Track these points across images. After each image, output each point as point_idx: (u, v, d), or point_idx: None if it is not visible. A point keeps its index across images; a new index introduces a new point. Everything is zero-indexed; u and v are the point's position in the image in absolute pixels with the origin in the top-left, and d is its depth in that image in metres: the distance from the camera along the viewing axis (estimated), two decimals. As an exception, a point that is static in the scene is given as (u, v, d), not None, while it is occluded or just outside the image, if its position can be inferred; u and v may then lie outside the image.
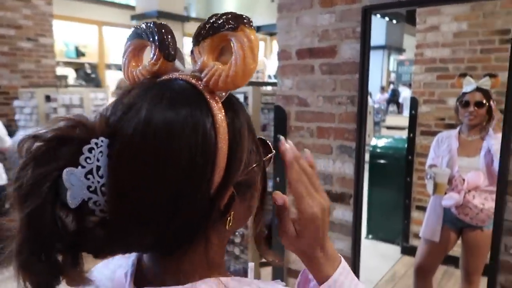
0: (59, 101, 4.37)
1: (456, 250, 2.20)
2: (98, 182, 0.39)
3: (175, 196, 0.40)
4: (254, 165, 0.48)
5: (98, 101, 4.59)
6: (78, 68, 7.61)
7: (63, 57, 7.40)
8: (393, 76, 9.13)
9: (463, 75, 2.10)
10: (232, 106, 0.46)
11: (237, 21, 0.44)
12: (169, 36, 0.47)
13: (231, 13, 0.45)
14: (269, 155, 0.54)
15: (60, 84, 5.13)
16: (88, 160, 0.39)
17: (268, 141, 0.55)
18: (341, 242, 1.86)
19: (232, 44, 0.44)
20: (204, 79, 0.44)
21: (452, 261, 2.40)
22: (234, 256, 2.52)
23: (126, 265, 0.51)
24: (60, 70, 6.73)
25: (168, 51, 0.46)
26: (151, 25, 0.48)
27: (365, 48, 1.68)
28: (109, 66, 8.27)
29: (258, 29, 7.65)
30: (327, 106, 1.83)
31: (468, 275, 2.10)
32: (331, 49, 1.79)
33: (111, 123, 0.41)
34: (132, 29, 0.50)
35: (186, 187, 0.41)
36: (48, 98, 4.43)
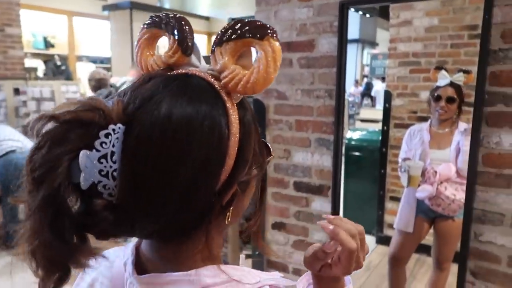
0: (29, 94, 4.23)
1: (428, 238, 2.28)
2: (111, 167, 0.41)
3: (185, 190, 0.42)
4: (257, 166, 0.50)
5: (70, 94, 4.47)
6: (47, 59, 7.36)
7: (31, 48, 7.13)
8: (367, 69, 9.29)
9: (439, 68, 2.13)
10: (244, 108, 0.48)
11: (263, 30, 0.45)
12: (188, 30, 0.48)
13: (257, 21, 0.46)
14: (270, 157, 0.56)
15: (29, 76, 4.95)
16: (103, 145, 0.40)
17: (268, 144, 0.57)
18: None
19: (256, 52, 0.46)
20: (224, 80, 0.46)
21: (424, 249, 2.49)
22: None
23: (125, 254, 0.52)
24: (28, 62, 6.49)
25: (186, 45, 0.47)
26: (172, 16, 0.49)
27: (342, 42, 1.71)
28: (80, 58, 8.03)
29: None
30: (306, 100, 1.85)
31: (440, 263, 2.18)
32: (309, 43, 1.81)
33: (130, 111, 0.42)
34: (150, 16, 0.51)
35: (197, 183, 0.42)
36: (16, 91, 4.28)
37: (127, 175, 0.41)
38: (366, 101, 7.92)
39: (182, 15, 0.49)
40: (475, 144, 1.45)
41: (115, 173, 0.41)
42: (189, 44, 0.48)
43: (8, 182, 2.91)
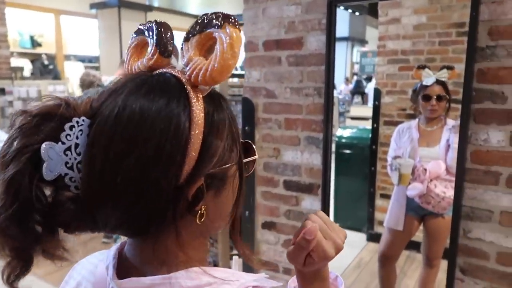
0: (15, 94, 4.16)
1: (418, 235, 2.29)
2: (75, 159, 0.42)
3: (139, 180, 0.42)
4: (232, 164, 0.49)
5: (57, 93, 4.40)
6: (35, 59, 7.25)
7: (17, 47, 7.02)
8: (356, 67, 9.32)
9: (422, 67, 2.14)
10: (214, 101, 0.48)
11: (223, 19, 0.46)
12: (167, 33, 0.49)
13: (220, 12, 0.47)
14: (252, 157, 0.56)
15: (15, 76, 4.87)
16: (68, 137, 0.42)
17: (253, 146, 0.57)
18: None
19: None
20: (187, 73, 0.46)
21: (414, 246, 2.50)
22: (207, 251, 2.50)
23: (108, 258, 0.51)
24: (15, 61, 6.39)
25: (164, 47, 0.49)
26: (153, 22, 0.51)
27: (331, 39, 1.70)
28: (68, 57, 7.93)
29: (223, 19, 7.53)
30: (295, 98, 1.84)
31: (429, 260, 2.19)
32: (297, 40, 1.80)
33: (94, 105, 0.44)
34: (139, 25, 0.53)
35: (153, 172, 0.42)
36: (2, 91, 4.21)
37: (88, 165, 0.42)
38: (357, 99, 7.94)
39: (163, 21, 0.51)
40: (463, 141, 1.45)
41: (79, 165, 0.43)
42: (167, 46, 0.49)
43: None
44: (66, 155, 0.42)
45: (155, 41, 0.49)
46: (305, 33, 1.78)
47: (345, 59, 9.47)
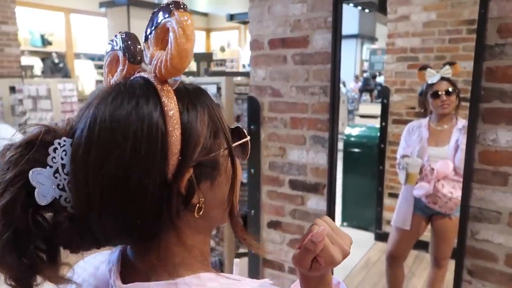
0: (25, 92, 4.21)
1: (426, 235, 2.27)
2: (65, 179, 0.43)
3: (124, 183, 0.42)
4: (220, 151, 0.48)
5: (67, 92, 4.44)
6: (45, 57, 7.32)
7: (28, 45, 7.10)
8: (366, 65, 9.24)
9: (424, 67, 2.13)
10: (186, 93, 0.48)
11: (169, 8, 0.45)
12: (133, 41, 0.50)
13: (165, 3, 0.47)
14: (243, 140, 0.55)
15: (25, 74, 4.92)
16: (53, 160, 0.43)
17: (243, 129, 0.57)
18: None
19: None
20: (152, 69, 0.46)
21: (422, 246, 2.47)
22: (210, 248, 2.51)
23: (110, 260, 0.51)
24: (26, 60, 6.47)
25: (130, 54, 0.49)
26: (119, 34, 0.52)
27: (337, 38, 1.68)
28: (78, 55, 8.00)
29: (232, 17, 7.55)
30: (300, 97, 1.83)
31: (437, 260, 2.17)
32: (303, 39, 1.78)
33: (72, 124, 0.46)
34: (109, 42, 0.54)
35: (134, 174, 0.42)
36: (13, 89, 4.26)
37: (75, 182, 0.43)
38: (365, 96, 7.88)
39: (127, 31, 0.51)
40: (471, 141, 1.43)
41: (69, 185, 0.44)
42: (133, 52, 0.49)
43: None
44: (56, 177, 0.43)
45: (122, 50, 0.50)
46: (311, 31, 1.76)
47: (354, 57, 9.39)
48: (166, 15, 0.45)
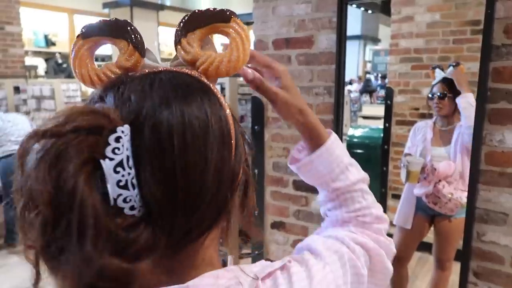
0: (29, 92, 4.22)
1: (430, 236, 2.26)
2: (129, 174, 0.36)
3: (219, 183, 0.41)
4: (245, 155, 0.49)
5: (70, 92, 4.46)
6: (49, 57, 7.34)
7: (32, 46, 7.13)
8: (369, 66, 9.24)
9: (434, 67, 2.14)
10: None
11: (225, 14, 0.47)
12: (137, 31, 0.48)
13: (214, 8, 0.47)
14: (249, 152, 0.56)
15: (29, 74, 4.93)
16: (116, 151, 0.35)
17: (247, 137, 0.56)
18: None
19: (226, 34, 0.47)
20: (203, 67, 0.46)
21: (426, 247, 2.46)
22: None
23: None
24: (30, 60, 6.49)
25: (142, 47, 0.47)
26: (110, 21, 0.48)
27: (341, 38, 1.67)
28: (81, 56, 8.01)
29: (235, 18, 7.52)
30: (305, 97, 1.82)
31: (441, 262, 2.15)
32: (307, 39, 1.78)
33: (130, 110, 0.39)
34: (87, 25, 0.49)
35: (224, 174, 0.41)
36: (17, 90, 4.27)
37: (157, 178, 0.37)
38: (365, 97, 7.87)
39: (126, 20, 0.48)
40: (478, 142, 1.42)
41: (134, 181, 0.36)
42: (144, 44, 0.48)
43: (10, 182, 2.91)
44: (117, 172, 0.35)
45: (131, 41, 0.46)
46: (315, 32, 1.75)
47: (357, 58, 9.39)
48: (223, 19, 0.47)
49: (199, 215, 0.41)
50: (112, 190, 0.35)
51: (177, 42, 0.48)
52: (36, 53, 7.20)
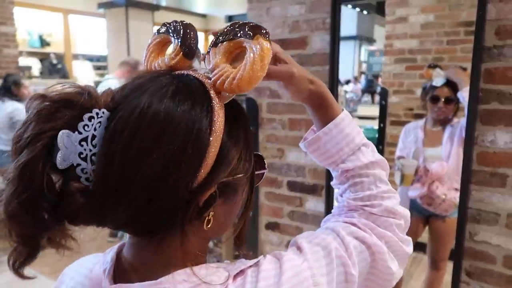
0: (23, 93, 4.19)
1: (424, 236, 2.27)
2: (90, 150, 0.41)
3: (158, 180, 0.42)
4: (243, 174, 0.49)
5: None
6: (44, 58, 7.30)
7: (26, 46, 7.08)
8: (364, 66, 9.26)
9: (433, 66, 2.09)
10: (234, 111, 0.48)
11: (254, 30, 0.47)
12: (192, 35, 0.50)
13: (251, 22, 0.48)
14: (262, 171, 0.56)
15: (23, 75, 4.91)
16: (86, 128, 0.41)
17: (264, 159, 0.57)
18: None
19: (246, 51, 0.47)
20: (213, 78, 0.46)
21: (420, 248, 2.47)
22: (208, 250, 2.50)
23: (104, 261, 0.50)
24: (24, 61, 6.45)
25: (188, 48, 0.49)
26: (179, 22, 0.51)
27: (335, 39, 1.68)
28: (76, 56, 7.98)
29: (230, 18, 7.54)
30: (298, 98, 1.82)
31: (435, 262, 2.17)
32: (301, 40, 1.78)
33: (116, 99, 0.44)
34: (163, 23, 0.53)
35: (171, 175, 0.42)
36: (10, 90, 4.24)
37: (103, 160, 0.41)
38: (366, 97, 7.89)
39: (189, 23, 0.51)
40: (470, 142, 1.43)
41: (93, 157, 0.41)
42: (192, 48, 0.49)
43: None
44: (82, 145, 0.41)
45: (180, 41, 0.49)
46: (309, 33, 1.76)
47: (353, 58, 9.40)
48: (248, 36, 0.46)
49: (140, 204, 0.42)
50: (67, 158, 0.41)
51: (208, 51, 0.49)
52: (31, 54, 7.15)
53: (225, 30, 0.49)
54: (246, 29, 0.47)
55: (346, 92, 8.19)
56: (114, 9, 6.41)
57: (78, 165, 0.41)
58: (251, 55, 0.45)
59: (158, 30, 0.53)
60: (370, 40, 9.60)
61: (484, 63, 1.37)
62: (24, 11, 6.73)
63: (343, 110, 0.62)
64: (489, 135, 1.40)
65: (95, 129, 0.41)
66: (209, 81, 0.47)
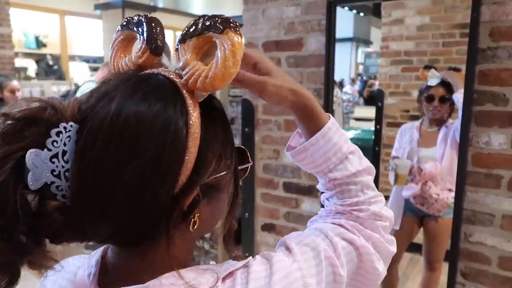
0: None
1: (420, 237, 2.27)
2: (63, 166, 0.39)
3: (136, 189, 0.40)
4: (225, 172, 0.47)
5: (61, 93, 4.42)
6: (40, 59, 7.28)
7: (23, 47, 7.06)
8: (361, 68, 9.28)
9: (428, 67, 2.11)
10: (210, 108, 0.46)
11: (224, 24, 0.44)
12: (158, 30, 0.47)
13: (220, 15, 0.45)
14: (246, 165, 0.55)
15: (19, 76, 4.89)
16: (54, 144, 0.39)
17: (247, 152, 0.56)
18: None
19: (216, 47, 0.44)
20: (184, 77, 0.44)
21: (416, 248, 2.47)
22: (204, 251, 2.50)
23: (88, 265, 0.49)
24: (20, 62, 6.43)
25: (155, 45, 0.46)
26: (142, 17, 0.48)
27: (330, 40, 1.68)
28: (72, 58, 7.96)
29: (227, 20, 7.53)
30: (294, 99, 1.82)
31: (430, 263, 2.17)
32: (297, 41, 1.79)
33: (83, 110, 0.41)
34: (125, 18, 0.50)
35: (149, 182, 0.40)
36: (6, 91, 4.22)
37: (77, 175, 0.39)
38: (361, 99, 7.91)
39: (153, 16, 0.47)
40: (464, 143, 1.43)
41: (67, 173, 0.39)
42: (158, 44, 0.46)
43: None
44: (53, 162, 0.39)
45: (145, 37, 0.46)
46: (305, 34, 1.76)
47: (349, 60, 9.43)
48: (218, 30, 0.43)
49: (120, 217, 0.41)
50: (39, 178, 0.38)
51: (176, 48, 0.47)
52: (27, 55, 7.13)
53: (193, 24, 0.46)
54: (215, 23, 0.44)
55: (345, 93, 8.20)
56: (110, 10, 6.39)
57: (52, 182, 0.39)
58: (223, 51, 0.43)
59: (122, 26, 0.50)
60: (367, 42, 9.63)
61: (479, 65, 1.38)
62: (20, 12, 6.71)
63: (330, 117, 0.60)
64: (483, 137, 1.40)
65: (64, 144, 0.39)
66: (180, 80, 0.44)
